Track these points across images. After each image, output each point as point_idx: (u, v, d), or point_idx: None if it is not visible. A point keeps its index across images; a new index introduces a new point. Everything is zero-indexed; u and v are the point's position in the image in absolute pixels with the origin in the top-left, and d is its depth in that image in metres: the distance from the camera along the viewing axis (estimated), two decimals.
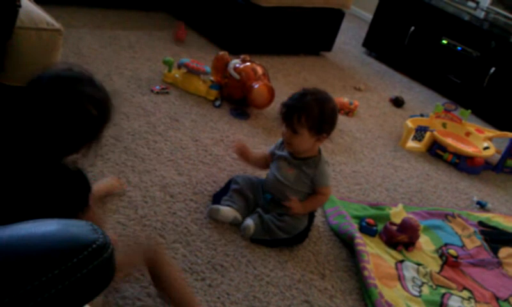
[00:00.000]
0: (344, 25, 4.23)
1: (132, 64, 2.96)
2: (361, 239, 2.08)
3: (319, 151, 2.06)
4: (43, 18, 1.84)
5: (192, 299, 1.56)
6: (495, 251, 2.36)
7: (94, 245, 0.86)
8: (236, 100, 2.89)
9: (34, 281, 0.80)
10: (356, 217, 2.26)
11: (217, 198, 2.09)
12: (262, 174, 2.23)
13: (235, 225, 1.99)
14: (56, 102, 1.25)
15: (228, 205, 2.02)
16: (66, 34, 2.40)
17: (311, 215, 2.09)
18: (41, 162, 1.29)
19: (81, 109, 1.28)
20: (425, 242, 2.28)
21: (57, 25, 1.87)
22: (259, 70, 2.92)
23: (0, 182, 1.26)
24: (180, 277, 1.61)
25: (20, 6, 1.72)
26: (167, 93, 2.78)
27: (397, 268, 2.06)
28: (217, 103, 2.84)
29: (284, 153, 2.07)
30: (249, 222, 1.96)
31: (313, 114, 1.94)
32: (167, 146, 2.34)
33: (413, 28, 4.36)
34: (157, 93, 2.74)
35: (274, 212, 2.02)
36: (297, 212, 2.00)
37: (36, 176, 1.28)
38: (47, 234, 0.87)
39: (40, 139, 1.26)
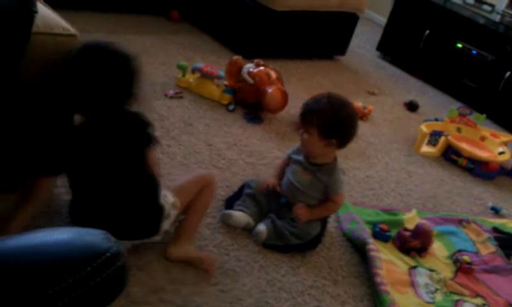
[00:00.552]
0: (358, 29, 4.22)
1: (146, 69, 2.93)
2: (374, 245, 2.08)
3: (335, 159, 2.06)
4: (59, 23, 1.85)
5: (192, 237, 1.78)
6: (508, 257, 2.34)
7: (108, 254, 0.86)
8: (250, 104, 2.90)
9: (48, 290, 0.80)
10: (369, 222, 2.26)
11: (230, 203, 2.09)
12: None
13: (248, 230, 2.00)
14: (106, 61, 1.61)
15: (240, 210, 2.02)
16: (81, 39, 2.42)
17: (324, 221, 2.09)
18: (106, 111, 1.58)
19: (124, 64, 1.65)
20: (438, 248, 2.27)
21: (72, 30, 1.88)
22: (273, 74, 2.92)
23: (82, 136, 1.58)
24: (203, 212, 1.82)
25: (36, 11, 1.74)
26: (181, 97, 2.79)
27: (409, 275, 2.05)
28: (231, 107, 2.85)
29: (300, 157, 2.07)
30: (262, 227, 1.97)
31: (325, 116, 1.95)
32: (180, 150, 2.35)
33: (427, 32, 4.33)
34: (171, 97, 2.76)
35: (288, 216, 2.02)
36: (305, 219, 2.00)
37: (107, 122, 1.58)
38: (60, 242, 0.87)
39: (101, 92, 1.56)
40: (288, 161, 2.14)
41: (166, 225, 1.68)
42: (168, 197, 1.69)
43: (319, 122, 1.95)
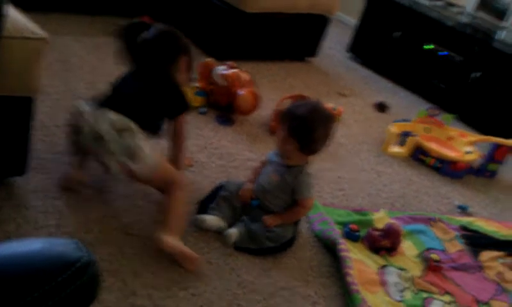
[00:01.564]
0: (329, 30, 4.25)
1: (118, 72, 2.94)
2: (344, 245, 2.11)
3: (306, 162, 2.08)
4: (28, 27, 1.83)
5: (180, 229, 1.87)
6: (476, 255, 2.39)
7: (79, 264, 0.86)
8: (222, 106, 2.91)
9: (20, 302, 0.80)
10: (339, 223, 2.29)
11: (203, 205, 2.10)
12: None
13: (220, 233, 2.00)
14: (155, 33, 2.10)
15: (214, 214, 2.03)
16: (53, 42, 2.39)
17: (296, 223, 2.11)
18: (158, 73, 2.01)
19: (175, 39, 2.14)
20: (408, 246, 2.31)
21: (42, 33, 1.87)
22: (245, 77, 2.94)
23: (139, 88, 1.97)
24: (182, 213, 1.92)
25: (6, 15, 1.72)
26: None
27: (380, 274, 2.09)
28: (203, 110, 2.85)
29: (277, 159, 2.10)
30: (232, 230, 1.98)
31: (293, 115, 2.00)
32: None
33: (397, 33, 4.39)
34: None
35: (260, 219, 2.04)
36: (273, 225, 2.02)
37: (157, 81, 2.00)
38: (31, 253, 0.87)
39: (154, 57, 2.02)
40: (265, 163, 2.16)
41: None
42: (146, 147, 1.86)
43: (285, 118, 2.02)
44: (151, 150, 1.87)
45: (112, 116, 1.85)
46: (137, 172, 1.84)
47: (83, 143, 1.90)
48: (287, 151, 2.04)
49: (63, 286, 0.84)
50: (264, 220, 2.02)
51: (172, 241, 1.79)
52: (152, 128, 1.95)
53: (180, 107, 2.06)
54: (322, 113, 2.06)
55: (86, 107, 1.91)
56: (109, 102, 1.93)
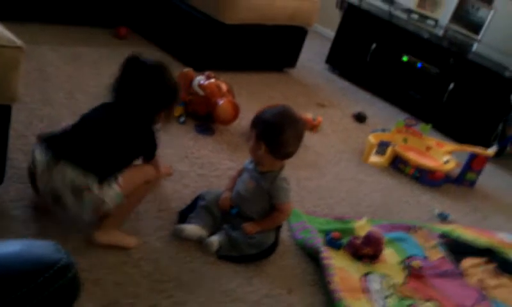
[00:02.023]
0: (307, 42, 4.28)
1: (96, 81, 2.93)
2: (326, 253, 2.10)
3: (281, 168, 2.08)
4: (4, 36, 1.81)
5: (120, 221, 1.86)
6: (457, 262, 2.41)
7: (58, 266, 0.85)
8: (201, 116, 2.89)
9: None
10: (321, 231, 2.28)
11: (183, 215, 2.07)
12: None
13: (201, 242, 1.98)
14: (153, 77, 1.89)
15: (194, 223, 2.01)
16: (29, 52, 2.35)
17: (277, 229, 2.09)
18: (136, 116, 1.82)
19: (166, 83, 1.91)
20: (389, 254, 2.31)
21: (18, 42, 1.84)
22: (223, 87, 2.93)
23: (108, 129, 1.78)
24: (136, 203, 1.91)
25: None
26: None
27: (362, 281, 2.08)
28: (182, 119, 2.83)
29: (251, 166, 2.09)
30: (213, 238, 1.96)
31: (260, 119, 2.02)
32: None
33: (374, 45, 4.44)
34: None
35: (240, 226, 2.02)
36: (253, 232, 2.01)
37: (133, 125, 1.81)
38: (9, 255, 0.85)
39: (140, 100, 1.83)
40: (242, 171, 2.15)
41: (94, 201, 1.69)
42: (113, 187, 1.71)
43: (253, 124, 2.04)
44: (114, 191, 1.71)
45: (69, 173, 1.64)
46: (109, 210, 1.73)
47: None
48: (258, 157, 2.04)
49: (43, 287, 0.82)
50: (243, 228, 2.01)
51: (103, 237, 1.78)
52: (115, 169, 1.74)
53: (152, 150, 1.90)
54: (289, 116, 2.04)
55: (41, 157, 1.69)
56: (69, 142, 1.71)
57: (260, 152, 2.00)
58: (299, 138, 2.04)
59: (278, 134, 1.98)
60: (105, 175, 1.69)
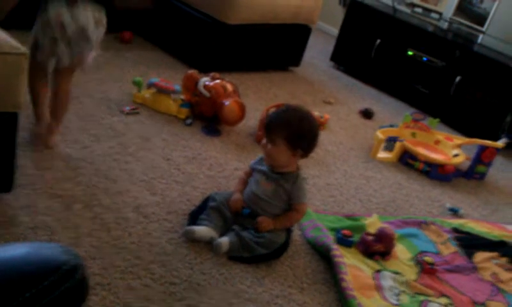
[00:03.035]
0: (312, 40, 4.26)
1: (101, 86, 2.93)
2: (338, 251, 2.09)
3: (298, 168, 2.07)
4: (8, 43, 1.81)
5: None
6: (469, 256, 2.38)
7: (65, 267, 0.84)
8: (207, 117, 2.89)
9: (6, 306, 0.78)
10: (332, 229, 2.26)
11: (193, 217, 2.06)
12: None
13: (212, 243, 1.97)
14: None
15: (204, 225, 2.00)
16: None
17: (288, 229, 2.08)
18: None
19: None
20: (401, 250, 2.29)
21: (22, 48, 1.85)
22: (229, 87, 2.92)
23: None
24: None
25: None
26: (137, 113, 2.76)
27: (374, 278, 2.06)
28: (189, 121, 2.83)
29: (263, 167, 2.08)
30: (223, 240, 1.95)
31: (293, 127, 1.99)
32: (139, 166, 2.32)
33: (379, 41, 4.42)
34: (127, 113, 2.72)
35: (252, 227, 2.01)
36: (267, 229, 2.00)
37: None
38: (16, 258, 0.85)
39: None
40: (251, 172, 2.14)
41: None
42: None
43: (287, 133, 1.99)
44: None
45: (90, 10, 2.12)
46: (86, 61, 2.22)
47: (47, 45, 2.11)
48: (282, 162, 2.02)
49: (50, 289, 0.82)
50: (258, 221, 2.00)
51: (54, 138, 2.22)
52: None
53: None
54: (313, 118, 2.09)
55: (59, 8, 2.05)
56: None
57: (291, 157, 2.01)
58: (317, 135, 2.09)
59: (314, 140, 2.04)
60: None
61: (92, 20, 2.13)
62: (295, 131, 1.99)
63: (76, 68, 2.25)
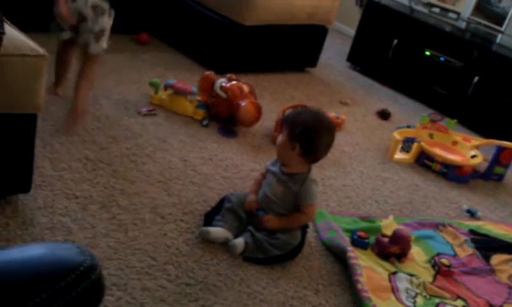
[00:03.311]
0: (328, 41, 4.26)
1: (118, 88, 2.96)
2: (353, 252, 2.08)
3: (309, 170, 2.07)
4: (27, 45, 1.83)
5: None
6: (487, 259, 2.37)
7: (81, 268, 0.85)
8: (224, 118, 2.90)
9: None
10: (347, 230, 2.26)
11: (209, 217, 2.07)
12: None
13: (227, 244, 1.98)
14: None
15: (219, 226, 2.01)
16: (52, 60, 2.40)
17: (304, 231, 2.08)
18: None
19: None
20: (417, 252, 2.28)
21: (41, 50, 1.87)
22: (245, 88, 2.93)
23: None
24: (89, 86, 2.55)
25: (4, 32, 1.72)
26: (154, 114, 2.78)
27: (390, 280, 2.06)
28: (205, 122, 2.84)
29: (275, 168, 2.08)
30: (238, 241, 1.96)
31: (295, 120, 2.01)
32: (156, 167, 2.33)
33: (396, 41, 4.40)
34: (145, 115, 2.74)
35: (265, 228, 2.02)
36: (272, 227, 2.00)
37: None
38: (33, 258, 0.86)
39: None
40: (266, 173, 2.14)
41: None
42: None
43: (288, 124, 2.02)
44: (109, 25, 2.46)
45: None
46: (93, 53, 2.45)
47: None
48: (287, 157, 2.03)
49: (66, 290, 0.83)
50: (261, 217, 2.01)
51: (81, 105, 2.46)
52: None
53: None
54: (326, 122, 2.07)
55: None
56: None
57: (292, 153, 2.00)
58: (330, 145, 2.06)
59: (315, 137, 1.99)
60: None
61: (90, 6, 2.35)
62: (294, 120, 2.01)
63: (88, 52, 2.46)
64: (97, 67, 2.56)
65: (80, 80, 2.48)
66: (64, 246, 0.90)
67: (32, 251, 0.88)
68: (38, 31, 2.24)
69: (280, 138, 2.04)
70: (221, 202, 2.14)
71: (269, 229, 2.00)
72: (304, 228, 2.09)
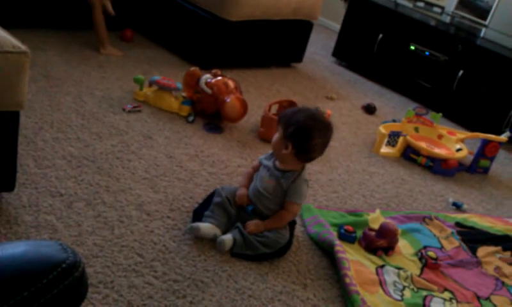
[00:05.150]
0: (313, 36, 4.26)
1: (102, 84, 2.93)
2: (340, 246, 2.08)
3: (302, 168, 2.05)
4: (9, 41, 1.81)
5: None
6: (473, 251, 2.38)
7: (64, 265, 0.84)
8: (209, 114, 2.89)
9: (3, 304, 0.78)
10: (334, 224, 2.26)
11: (197, 213, 2.06)
12: None
13: (215, 240, 1.97)
14: None
15: (209, 222, 1.99)
16: (35, 57, 2.37)
17: (291, 228, 2.08)
18: None
19: None
20: (404, 245, 2.29)
21: (23, 47, 1.85)
22: (231, 84, 2.92)
23: None
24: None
25: None
26: (139, 111, 2.76)
27: (378, 274, 2.06)
28: (191, 118, 2.83)
29: (269, 163, 2.07)
30: (226, 237, 1.94)
31: (290, 118, 1.99)
32: (141, 164, 2.32)
33: (381, 36, 4.41)
34: (129, 111, 2.72)
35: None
36: (256, 232, 1.98)
37: None
38: (14, 256, 0.85)
39: None
40: (259, 166, 2.13)
41: None
42: None
43: (282, 122, 2.00)
44: None
45: None
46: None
47: None
48: (281, 156, 2.02)
49: (49, 287, 0.82)
50: (246, 226, 1.99)
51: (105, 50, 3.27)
52: None
53: None
54: (322, 122, 2.02)
55: None
56: None
57: (285, 151, 1.98)
58: (325, 145, 2.03)
59: (308, 139, 1.96)
60: None
61: None
62: (289, 120, 1.98)
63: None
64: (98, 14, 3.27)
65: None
66: (46, 243, 0.89)
67: (13, 249, 0.87)
68: (20, 27, 2.22)
69: (276, 135, 2.03)
70: (210, 197, 2.12)
71: (249, 233, 1.98)
72: (292, 224, 2.08)
